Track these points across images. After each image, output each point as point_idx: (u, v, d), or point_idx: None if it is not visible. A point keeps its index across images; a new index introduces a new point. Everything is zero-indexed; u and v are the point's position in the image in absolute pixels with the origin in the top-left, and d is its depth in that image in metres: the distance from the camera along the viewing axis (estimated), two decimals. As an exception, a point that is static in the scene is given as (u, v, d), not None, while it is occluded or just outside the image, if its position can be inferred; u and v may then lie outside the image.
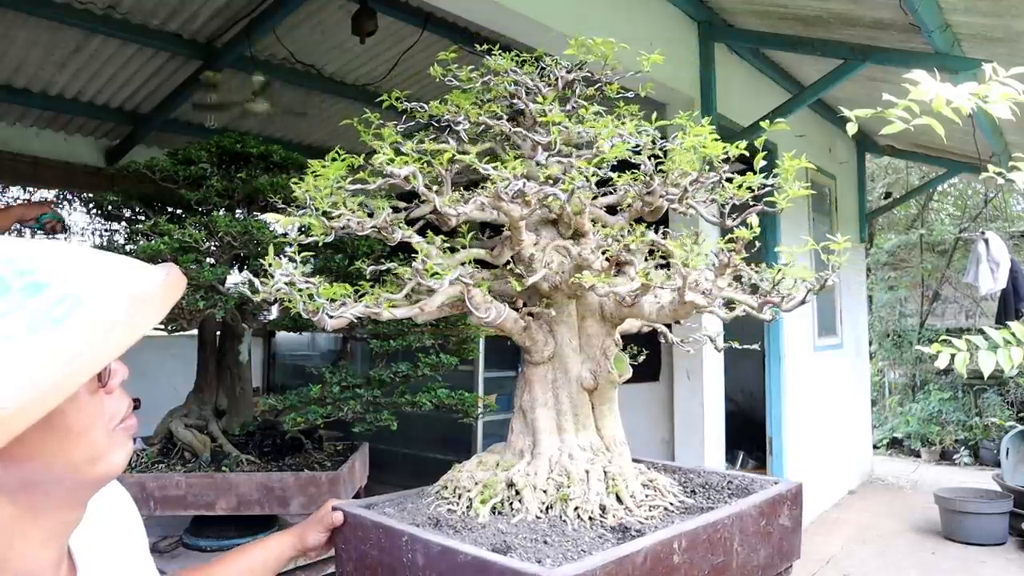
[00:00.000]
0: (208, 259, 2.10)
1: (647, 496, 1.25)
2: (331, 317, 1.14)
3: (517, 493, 1.22)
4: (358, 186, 1.22)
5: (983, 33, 3.52)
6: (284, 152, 2.47)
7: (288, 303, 1.14)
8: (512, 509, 1.20)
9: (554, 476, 1.24)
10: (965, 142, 5.34)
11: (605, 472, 1.25)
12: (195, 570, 1.21)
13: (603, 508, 1.18)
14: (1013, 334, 1.31)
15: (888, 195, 9.29)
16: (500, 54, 1.41)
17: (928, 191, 9.15)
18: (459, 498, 1.27)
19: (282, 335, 6.61)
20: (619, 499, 1.20)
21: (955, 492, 5.31)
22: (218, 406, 2.38)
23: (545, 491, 1.22)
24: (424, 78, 5.43)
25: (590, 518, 1.16)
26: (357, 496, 2.25)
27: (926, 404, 8.46)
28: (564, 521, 1.15)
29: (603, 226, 1.39)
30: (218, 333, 2.42)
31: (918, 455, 8.22)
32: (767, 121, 1.30)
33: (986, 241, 5.96)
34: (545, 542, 1.07)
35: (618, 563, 0.97)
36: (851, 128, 1.14)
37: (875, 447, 8.05)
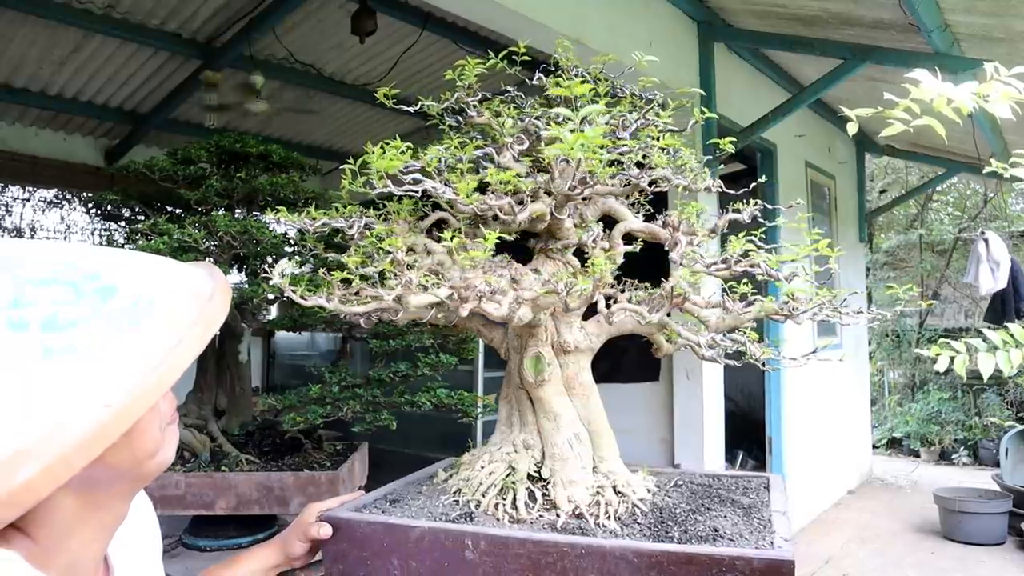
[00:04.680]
0: (207, 259, 2.10)
1: (576, 508, 1.23)
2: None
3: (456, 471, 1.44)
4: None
5: (982, 33, 3.52)
6: (283, 152, 2.47)
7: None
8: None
9: (470, 462, 1.38)
10: (964, 142, 5.35)
11: (513, 468, 1.30)
12: None
13: (479, 501, 1.26)
14: (1012, 335, 1.31)
15: (883, 192, 9.28)
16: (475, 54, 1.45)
17: (927, 191, 9.15)
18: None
19: (281, 335, 6.60)
20: (514, 500, 1.25)
21: (954, 492, 5.31)
22: (217, 406, 2.39)
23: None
24: (423, 77, 5.44)
25: (467, 501, 1.28)
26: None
27: (925, 404, 8.46)
28: (443, 496, 1.32)
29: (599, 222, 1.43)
30: (217, 333, 2.42)
31: (917, 455, 8.22)
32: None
33: (986, 241, 5.96)
34: (409, 504, 1.29)
35: (386, 527, 1.12)
36: (851, 128, 1.13)
37: (874, 447, 8.05)
